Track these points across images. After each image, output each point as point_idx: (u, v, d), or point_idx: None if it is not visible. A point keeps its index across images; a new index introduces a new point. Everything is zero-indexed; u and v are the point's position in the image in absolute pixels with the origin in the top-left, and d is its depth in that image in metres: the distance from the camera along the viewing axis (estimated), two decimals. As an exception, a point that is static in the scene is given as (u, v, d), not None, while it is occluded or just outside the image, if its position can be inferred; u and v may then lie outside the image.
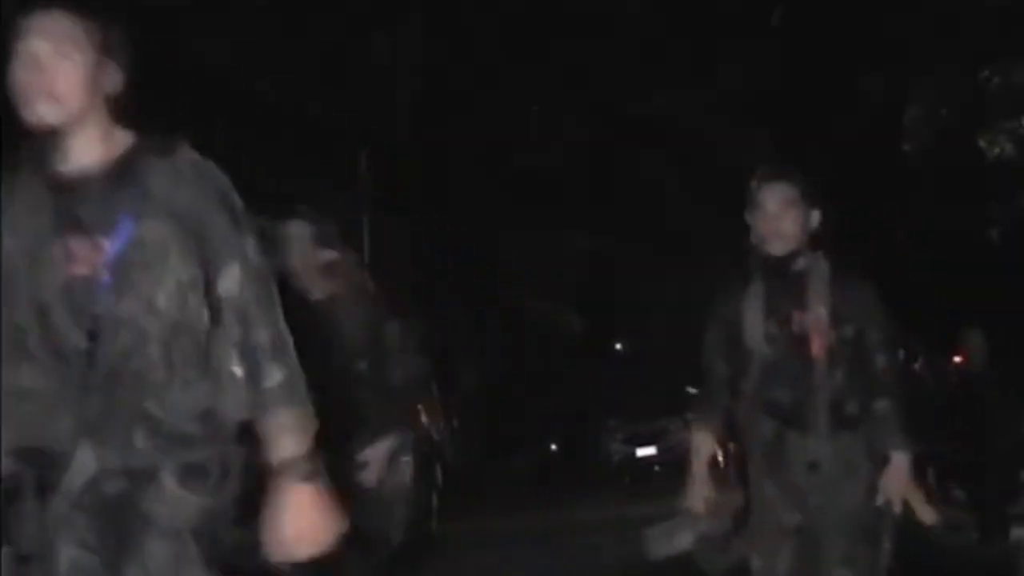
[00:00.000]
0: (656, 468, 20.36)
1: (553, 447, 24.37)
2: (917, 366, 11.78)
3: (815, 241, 4.57)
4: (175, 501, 2.57)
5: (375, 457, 5.06)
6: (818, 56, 19.71)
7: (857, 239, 20.63)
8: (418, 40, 19.51)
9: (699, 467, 4.60)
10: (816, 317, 4.44)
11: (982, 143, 14.34)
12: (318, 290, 4.98)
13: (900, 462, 4.41)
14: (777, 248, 4.47)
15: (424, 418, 11.23)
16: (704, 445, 4.64)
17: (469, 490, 14.30)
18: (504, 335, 21.52)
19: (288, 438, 2.56)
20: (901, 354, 6.75)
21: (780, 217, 4.47)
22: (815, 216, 4.56)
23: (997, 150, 14.10)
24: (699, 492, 4.57)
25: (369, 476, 5.04)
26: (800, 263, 4.52)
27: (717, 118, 19.94)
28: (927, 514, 4.42)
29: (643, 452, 21.70)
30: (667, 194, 22.42)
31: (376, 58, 18.70)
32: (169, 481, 2.56)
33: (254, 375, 2.57)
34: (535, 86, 20.50)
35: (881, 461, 4.41)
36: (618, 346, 27.76)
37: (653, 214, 22.43)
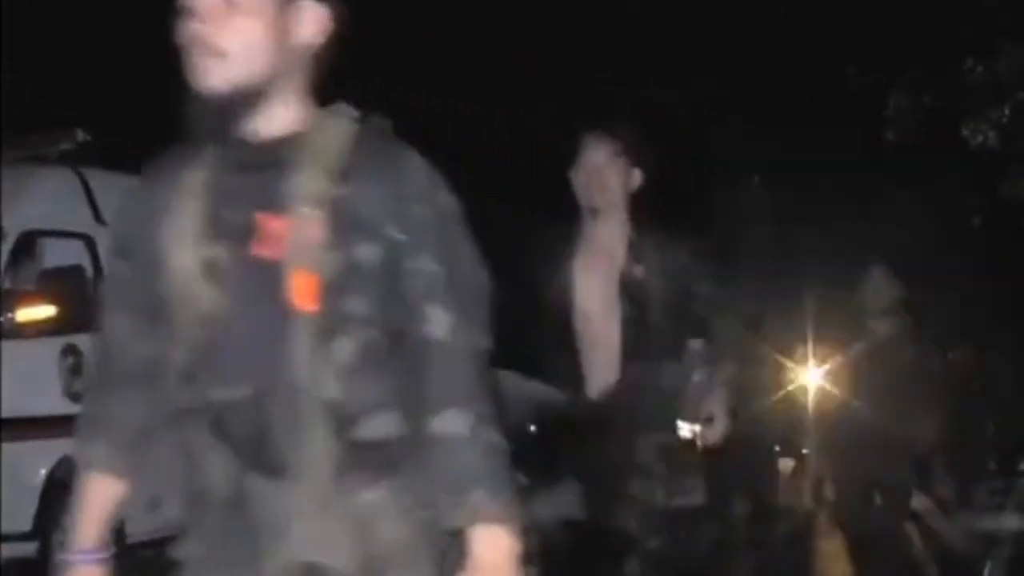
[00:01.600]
0: None
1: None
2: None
3: (313, 80, 2.28)
4: None
5: None
6: (812, 53, 19.73)
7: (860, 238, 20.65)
8: (419, 40, 19.57)
9: (84, 539, 2.32)
10: (297, 229, 2.13)
11: (965, 132, 14.34)
12: None
13: (492, 541, 2.10)
14: (212, 84, 2.23)
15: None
16: (96, 500, 2.32)
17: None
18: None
19: None
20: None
21: (214, 26, 2.23)
22: (312, 13, 2.24)
23: (980, 139, 14.04)
24: None
25: None
26: (270, 121, 2.22)
27: (717, 118, 19.98)
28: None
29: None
30: (667, 193, 22.46)
31: (376, 58, 18.77)
32: None
33: None
34: (535, 86, 20.54)
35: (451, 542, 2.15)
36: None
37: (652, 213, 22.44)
